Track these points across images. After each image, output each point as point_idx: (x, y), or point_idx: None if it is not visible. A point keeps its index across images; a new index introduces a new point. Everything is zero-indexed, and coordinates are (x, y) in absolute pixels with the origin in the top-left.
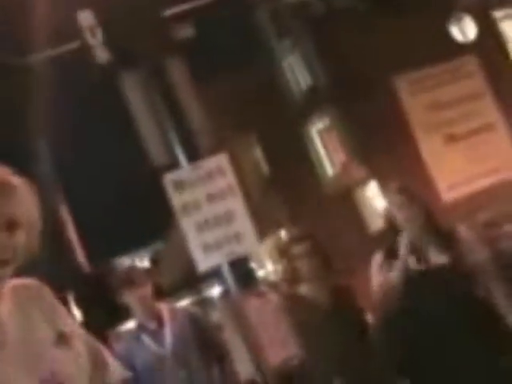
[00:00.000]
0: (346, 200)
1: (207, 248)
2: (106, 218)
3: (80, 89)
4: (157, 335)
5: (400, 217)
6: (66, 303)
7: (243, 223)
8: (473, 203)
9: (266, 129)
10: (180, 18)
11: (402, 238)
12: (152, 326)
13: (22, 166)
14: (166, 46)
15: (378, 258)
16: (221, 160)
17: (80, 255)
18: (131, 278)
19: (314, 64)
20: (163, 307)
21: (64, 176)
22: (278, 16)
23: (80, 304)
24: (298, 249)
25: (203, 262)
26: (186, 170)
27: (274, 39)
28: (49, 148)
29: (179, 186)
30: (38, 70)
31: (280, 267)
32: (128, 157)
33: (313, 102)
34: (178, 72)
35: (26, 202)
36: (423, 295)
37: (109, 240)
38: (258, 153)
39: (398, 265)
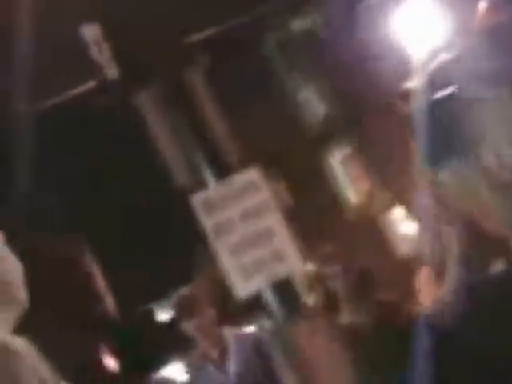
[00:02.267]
0: (372, 226)
1: (246, 271)
2: (137, 263)
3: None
4: (221, 364)
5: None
6: (100, 353)
7: (283, 240)
8: None
9: (286, 160)
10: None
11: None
12: (215, 354)
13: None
14: (185, 57)
15: (425, 271)
16: (253, 174)
17: (110, 304)
18: (188, 308)
19: (329, 93)
20: (228, 333)
21: (85, 223)
22: (288, 47)
23: (115, 353)
24: (331, 269)
25: (243, 288)
26: (215, 188)
27: (285, 70)
28: (65, 194)
29: (209, 206)
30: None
31: (313, 296)
32: (153, 186)
33: (332, 131)
34: (199, 86)
35: None
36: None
37: (139, 285)
38: (279, 184)
39: (451, 275)
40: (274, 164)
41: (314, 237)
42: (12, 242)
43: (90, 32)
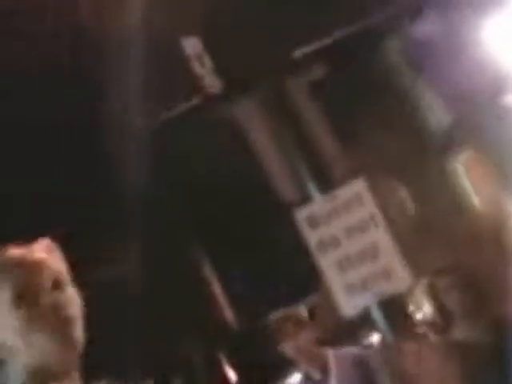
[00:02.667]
0: (498, 233)
1: (352, 289)
2: (254, 274)
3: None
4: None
5: None
6: (220, 365)
7: (391, 257)
8: None
9: (408, 166)
10: (310, 59)
11: None
12: (317, 375)
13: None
14: (289, 69)
15: None
16: (358, 186)
17: (229, 314)
18: (286, 328)
19: (452, 99)
20: (329, 353)
21: (203, 230)
22: (410, 49)
23: (234, 364)
24: (445, 282)
25: (349, 306)
26: (319, 203)
27: (408, 74)
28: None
29: (313, 221)
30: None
31: (424, 311)
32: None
33: (454, 135)
34: (300, 94)
35: None
36: None
37: (258, 296)
38: (402, 192)
39: None
40: (397, 174)
41: (437, 248)
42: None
43: (191, 45)
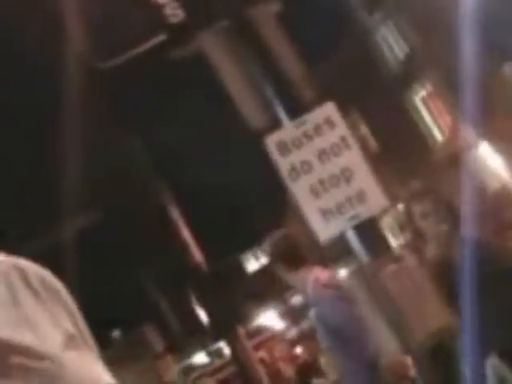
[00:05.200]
0: (459, 164)
1: (327, 214)
2: (220, 217)
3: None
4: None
5: None
6: (188, 302)
7: (365, 179)
8: None
9: (369, 103)
10: None
11: None
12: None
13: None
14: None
15: None
16: (328, 110)
17: (197, 255)
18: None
19: (408, 31)
20: (308, 276)
21: (173, 172)
22: None
23: (202, 302)
24: (420, 207)
25: (325, 232)
26: (289, 128)
27: (364, 11)
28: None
29: (284, 147)
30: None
31: (402, 235)
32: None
33: (412, 70)
34: (271, 26)
35: None
36: None
37: (224, 238)
38: (363, 129)
39: None
40: (355, 105)
41: (401, 176)
42: None
43: None
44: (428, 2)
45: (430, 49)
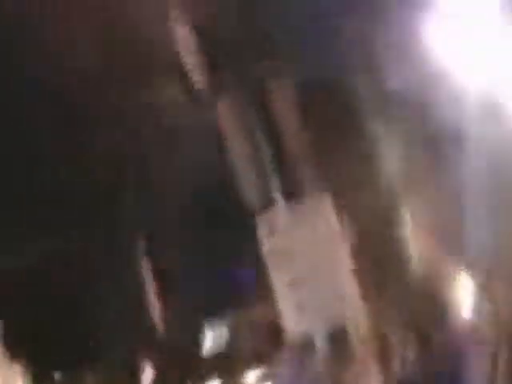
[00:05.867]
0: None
1: (302, 308)
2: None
3: None
4: None
5: None
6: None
7: (346, 279)
8: None
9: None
10: None
11: None
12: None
13: None
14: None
15: None
16: (321, 200)
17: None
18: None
19: None
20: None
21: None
22: None
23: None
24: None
25: (295, 325)
26: (281, 210)
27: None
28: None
29: (272, 229)
30: None
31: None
32: None
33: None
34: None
35: None
36: None
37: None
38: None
39: None
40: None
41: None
42: None
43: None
44: None
45: None
